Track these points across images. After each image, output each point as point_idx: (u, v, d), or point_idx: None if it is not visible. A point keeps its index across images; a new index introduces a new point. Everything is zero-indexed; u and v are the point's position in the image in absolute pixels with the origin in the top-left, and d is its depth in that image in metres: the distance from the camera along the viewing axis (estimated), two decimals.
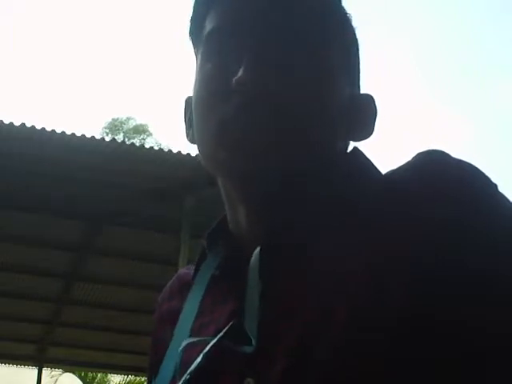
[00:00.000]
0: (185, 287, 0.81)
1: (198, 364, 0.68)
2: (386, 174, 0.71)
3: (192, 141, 0.79)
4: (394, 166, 0.70)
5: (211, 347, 0.68)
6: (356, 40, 0.79)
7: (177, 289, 0.84)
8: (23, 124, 5.38)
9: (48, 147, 5.42)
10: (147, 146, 6.95)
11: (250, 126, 0.68)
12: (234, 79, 0.69)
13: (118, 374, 14.23)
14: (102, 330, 9.67)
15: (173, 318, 0.78)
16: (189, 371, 0.68)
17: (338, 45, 0.75)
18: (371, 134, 0.77)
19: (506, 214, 0.64)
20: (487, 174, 0.66)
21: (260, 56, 0.69)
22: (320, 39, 0.73)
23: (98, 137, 5.82)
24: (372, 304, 0.61)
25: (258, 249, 0.69)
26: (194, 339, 0.71)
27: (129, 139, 19.12)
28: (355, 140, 0.77)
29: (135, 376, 14.06)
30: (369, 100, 0.78)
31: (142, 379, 13.88)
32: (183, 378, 0.69)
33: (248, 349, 0.65)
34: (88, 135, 5.55)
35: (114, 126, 24.26)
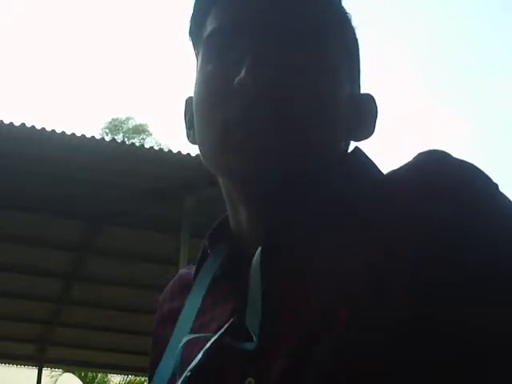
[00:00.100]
0: (186, 287, 0.81)
1: (199, 361, 0.68)
2: (386, 174, 0.71)
3: (193, 141, 0.79)
4: (395, 166, 0.70)
5: (212, 344, 0.68)
6: (356, 40, 0.79)
7: (178, 289, 0.84)
8: (23, 124, 5.38)
9: (48, 147, 5.42)
10: (147, 145, 6.96)
11: (251, 128, 0.68)
12: (235, 80, 0.69)
13: (118, 374, 14.23)
14: (102, 329, 9.67)
15: (173, 317, 0.78)
16: (189, 368, 0.68)
17: (338, 45, 0.75)
18: (372, 133, 0.78)
19: (506, 214, 0.64)
20: (488, 173, 0.66)
21: (260, 56, 0.70)
22: (320, 39, 0.73)
23: (97, 137, 5.83)
24: (372, 304, 0.61)
25: (259, 249, 0.69)
26: (195, 335, 0.71)
27: (128, 139, 19.12)
28: (356, 140, 0.77)
29: (135, 376, 14.08)
30: (369, 100, 0.78)
31: (142, 379, 13.90)
32: (183, 375, 0.69)
33: (249, 345, 0.65)
34: (88, 135, 5.55)
35: (114, 126, 24.24)
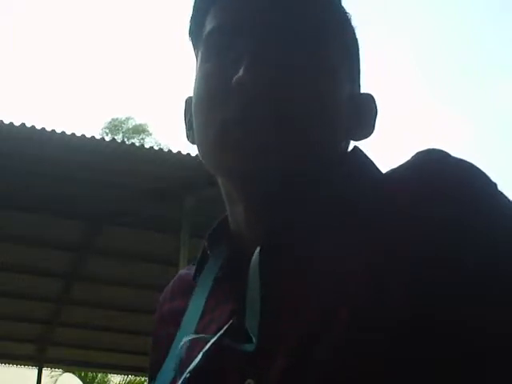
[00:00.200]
0: (186, 288, 0.81)
1: (198, 362, 0.68)
2: (386, 174, 0.71)
3: (192, 141, 0.79)
4: (394, 166, 0.70)
5: (211, 345, 0.68)
6: (356, 40, 0.79)
7: (178, 289, 0.84)
8: (23, 124, 5.38)
9: (48, 147, 5.42)
10: (147, 145, 6.95)
11: (250, 127, 0.68)
12: (234, 79, 0.69)
13: (118, 374, 14.24)
14: (102, 329, 9.67)
15: (174, 318, 0.78)
16: (188, 370, 0.68)
17: (338, 45, 0.75)
18: (371, 133, 0.78)
19: (506, 214, 0.64)
20: (487, 173, 0.66)
21: (260, 56, 0.69)
22: (320, 39, 0.73)
23: (97, 137, 5.83)
24: (372, 304, 0.61)
25: (258, 249, 0.69)
26: (194, 336, 0.71)
27: (128, 139, 19.10)
28: (355, 139, 0.77)
29: (135, 376, 14.08)
30: (369, 99, 0.78)
31: (142, 379, 13.90)
32: (183, 377, 0.69)
33: (249, 347, 0.65)
34: (88, 135, 5.55)
35: (114, 126, 24.21)
